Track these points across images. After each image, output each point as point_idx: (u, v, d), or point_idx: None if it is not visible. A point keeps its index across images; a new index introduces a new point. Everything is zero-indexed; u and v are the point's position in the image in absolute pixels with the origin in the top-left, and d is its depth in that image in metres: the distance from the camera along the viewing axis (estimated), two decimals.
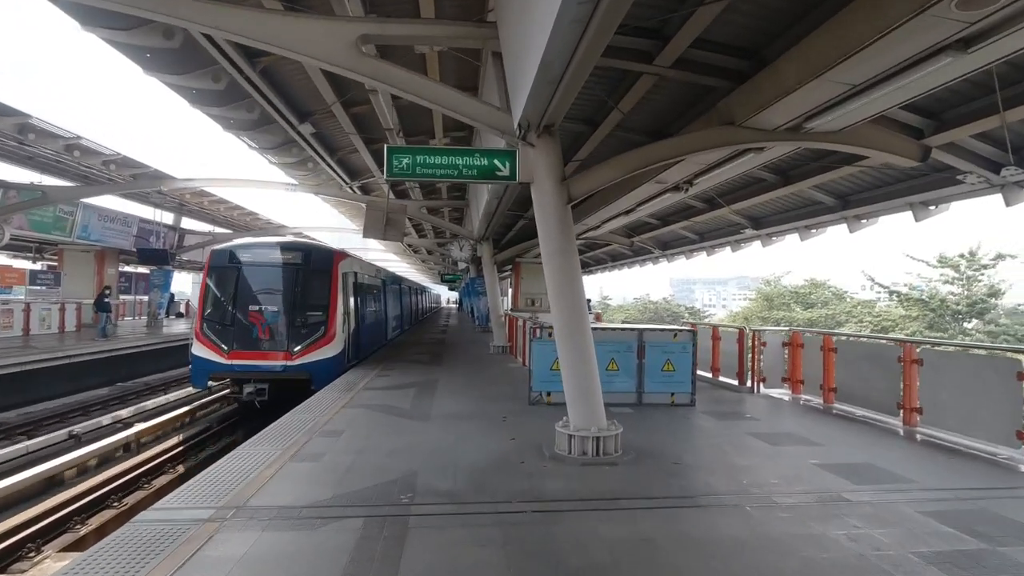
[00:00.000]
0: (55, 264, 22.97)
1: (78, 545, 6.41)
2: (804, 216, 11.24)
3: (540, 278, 19.85)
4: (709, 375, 10.47)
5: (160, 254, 21.90)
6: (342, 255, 12.18)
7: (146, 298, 25.47)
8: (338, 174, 14.45)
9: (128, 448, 9.90)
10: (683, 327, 9.99)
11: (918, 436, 6.75)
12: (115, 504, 7.45)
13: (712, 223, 14.54)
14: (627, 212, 12.21)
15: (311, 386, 10.08)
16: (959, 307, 30.94)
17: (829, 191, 10.07)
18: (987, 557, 3.57)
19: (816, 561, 3.50)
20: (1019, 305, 36.04)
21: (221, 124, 10.74)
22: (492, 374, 11.52)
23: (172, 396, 14.40)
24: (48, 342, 16.20)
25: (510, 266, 21.87)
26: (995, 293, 31.19)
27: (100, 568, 3.27)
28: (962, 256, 31.78)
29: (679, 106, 7.53)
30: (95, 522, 6.93)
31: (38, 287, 20.63)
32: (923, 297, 33.09)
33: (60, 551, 6.26)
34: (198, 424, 11.85)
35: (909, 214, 8.95)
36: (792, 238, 12.58)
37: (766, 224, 12.67)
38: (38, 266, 23.33)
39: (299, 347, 10.56)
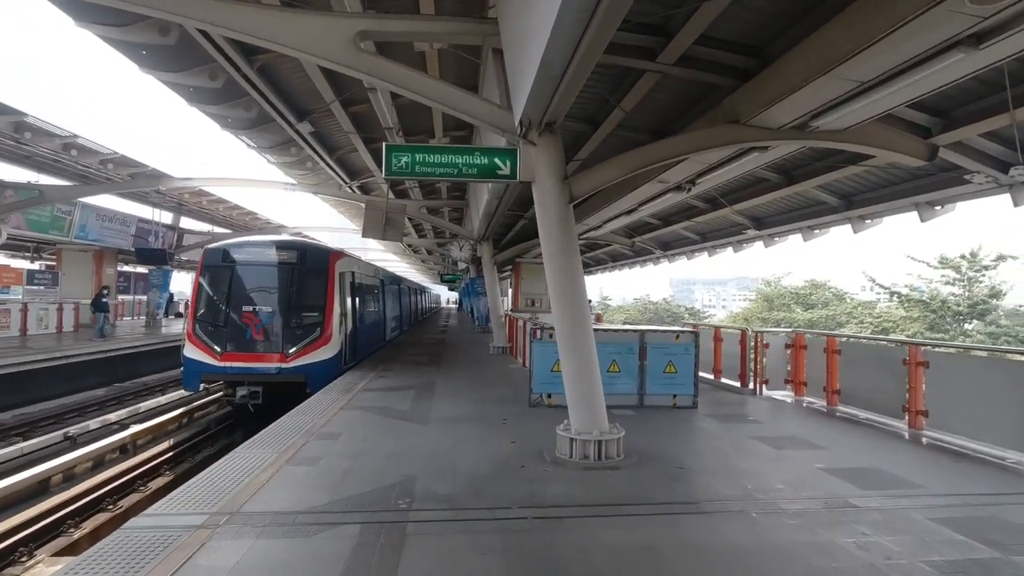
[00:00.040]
0: (53, 264, 22.88)
1: (72, 549, 6.32)
2: (807, 216, 11.14)
3: (540, 278, 19.84)
4: (711, 377, 10.38)
5: (159, 254, 21.82)
6: (339, 254, 12.02)
7: (145, 298, 25.38)
8: (337, 173, 14.35)
9: (124, 450, 9.81)
10: (685, 328, 9.91)
11: (924, 439, 6.66)
12: (110, 507, 7.36)
13: (714, 223, 14.45)
14: (628, 212, 12.11)
15: (307, 389, 9.87)
16: (960, 308, 30.87)
17: (833, 191, 9.97)
18: (1001, 567, 3.48)
19: (825, 571, 3.40)
20: (1020, 306, 36.02)
21: (219, 123, 10.65)
22: (492, 375, 11.42)
23: (170, 397, 14.32)
24: (45, 342, 16.11)
25: (510, 266, 21.77)
26: (996, 294, 31.15)
27: None
28: (963, 257, 31.72)
29: (682, 104, 7.44)
30: (89, 526, 6.84)
31: (36, 287, 20.54)
32: (924, 298, 33.01)
33: (53, 555, 6.17)
34: (195, 425, 11.76)
35: (914, 215, 8.86)
36: (795, 239, 12.50)
37: (769, 224, 12.58)
38: (36, 266, 23.23)
39: (294, 349, 10.34)
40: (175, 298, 28.84)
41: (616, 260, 25.19)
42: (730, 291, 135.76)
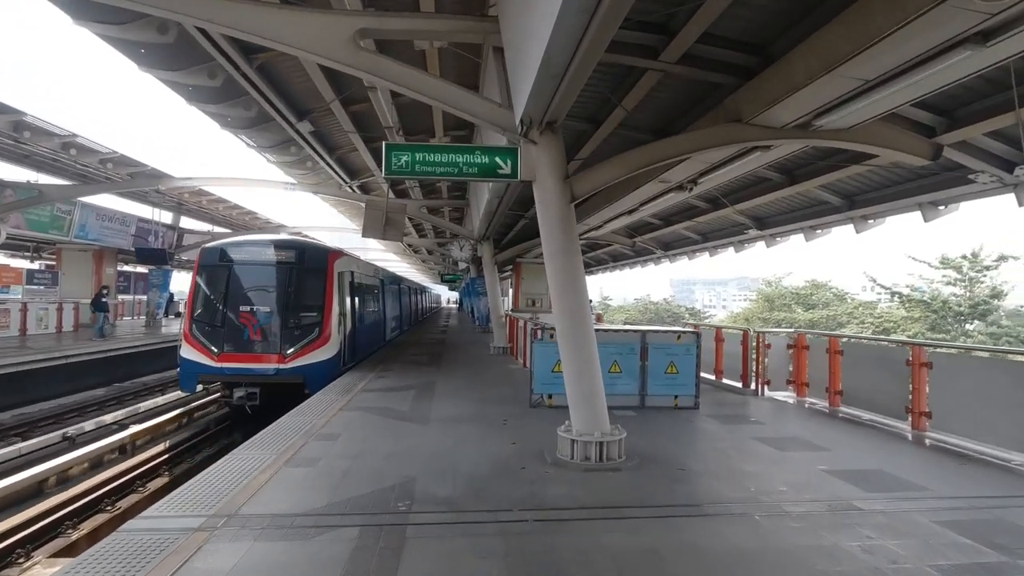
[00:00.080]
0: (53, 264, 22.84)
1: (70, 550, 6.28)
2: (810, 216, 11.09)
3: (541, 278, 19.80)
4: (712, 377, 10.34)
5: (158, 253, 21.79)
6: (337, 253, 11.91)
7: (145, 298, 25.35)
8: (337, 173, 14.31)
9: (123, 450, 9.77)
10: (687, 329, 9.86)
11: (927, 441, 6.61)
12: (108, 508, 7.32)
13: (715, 223, 14.40)
14: (629, 212, 12.06)
15: (305, 390, 9.74)
16: (961, 309, 30.84)
17: (836, 191, 9.92)
18: (1008, 571, 3.43)
19: (829, 575, 3.36)
20: (1021, 307, 35.95)
21: (219, 122, 10.61)
22: (492, 376, 11.38)
23: (169, 397, 14.27)
24: (45, 342, 16.08)
25: (511, 266, 21.73)
26: (997, 295, 31.14)
27: None
28: (964, 258, 31.69)
29: (684, 103, 7.40)
30: (87, 527, 6.80)
31: (35, 286, 20.50)
32: (925, 299, 32.97)
33: (50, 556, 6.13)
34: (195, 426, 11.72)
35: (917, 214, 8.82)
36: (796, 239, 12.45)
37: (770, 224, 12.53)
38: (36, 265, 23.19)
39: (292, 349, 10.19)
40: (175, 298, 28.80)
41: (617, 260, 25.15)
42: (731, 291, 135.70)
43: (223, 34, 6.73)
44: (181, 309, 31.54)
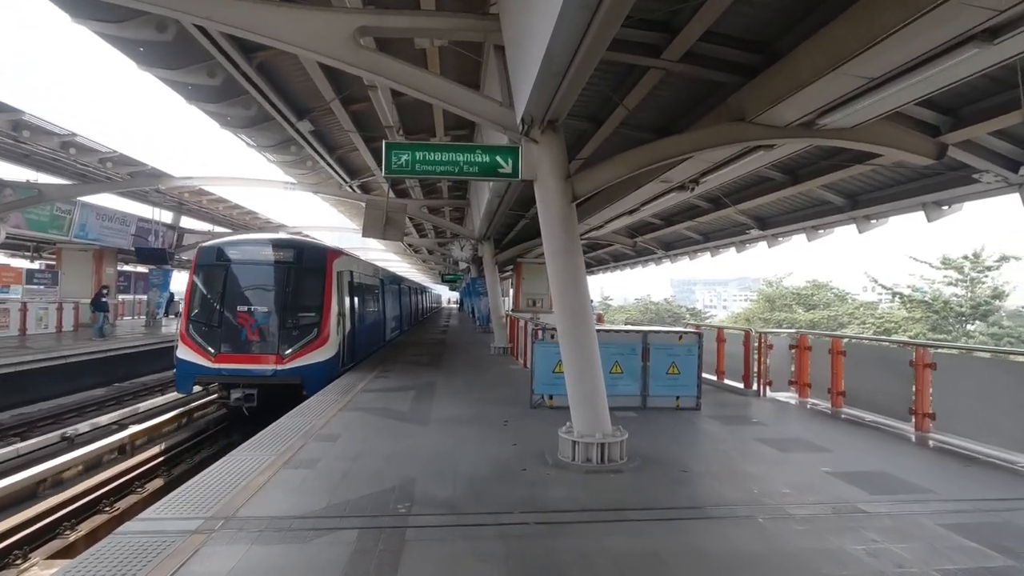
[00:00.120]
0: (53, 263, 22.81)
1: (68, 551, 6.24)
2: (812, 216, 11.03)
3: (542, 278, 19.75)
4: (713, 378, 10.29)
5: (159, 253, 21.76)
6: (336, 253, 11.81)
7: (145, 297, 25.31)
8: (337, 173, 14.27)
9: (122, 450, 9.73)
10: (688, 329, 9.81)
11: (931, 442, 6.57)
12: (106, 509, 7.28)
13: (717, 223, 14.35)
14: (631, 212, 12.02)
15: (303, 391, 9.62)
16: (963, 309, 30.77)
17: (839, 191, 9.86)
18: (1016, 575, 3.38)
19: None
20: (1022, 307, 35.82)
21: (218, 121, 10.57)
22: (493, 376, 11.33)
23: (168, 397, 14.23)
24: (44, 342, 16.05)
25: (511, 266, 21.69)
26: (999, 295, 31.05)
27: None
28: (966, 258, 31.62)
29: (687, 102, 7.35)
30: (85, 528, 6.76)
31: (35, 286, 20.47)
32: (926, 299, 32.90)
33: (48, 558, 6.09)
34: (194, 426, 11.68)
35: (917, 215, 8.77)
36: (798, 239, 12.39)
37: (772, 224, 12.47)
38: (36, 265, 23.16)
39: (290, 350, 10.03)
40: (175, 298, 28.76)
41: (618, 260, 25.10)
42: (731, 291, 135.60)
43: (222, 32, 6.68)
44: (181, 309, 31.54)
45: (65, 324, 19.60)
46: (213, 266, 10.45)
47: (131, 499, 7.67)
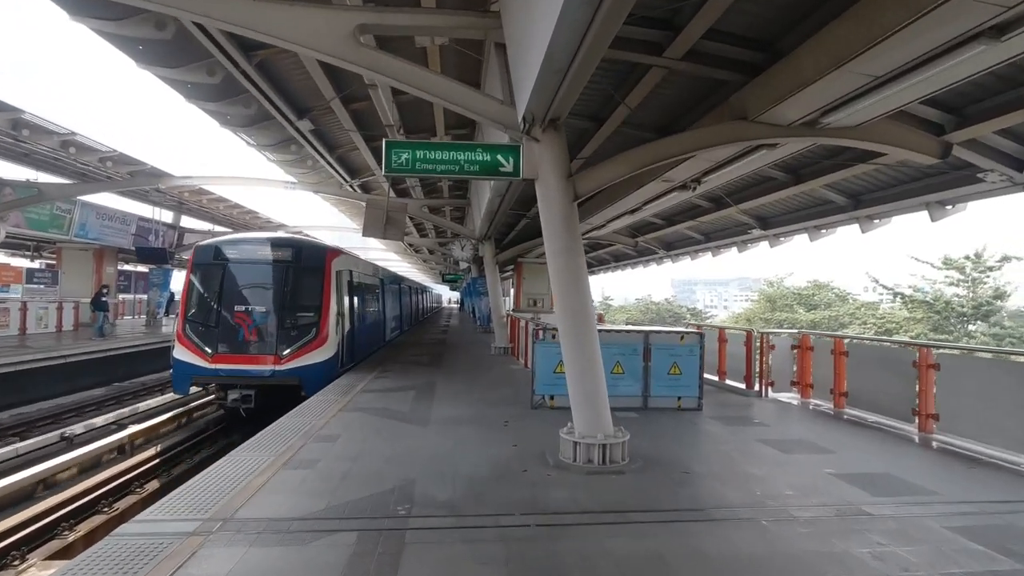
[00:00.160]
0: (53, 263, 22.79)
1: (66, 552, 6.21)
2: (814, 216, 10.98)
3: (542, 278, 19.70)
4: (715, 378, 10.25)
5: (159, 253, 21.73)
6: (336, 252, 11.68)
7: (145, 297, 25.28)
8: (338, 172, 14.23)
9: (122, 450, 9.70)
10: (690, 329, 9.77)
11: (934, 444, 6.53)
12: (105, 509, 7.24)
13: (718, 223, 14.29)
14: (632, 211, 11.97)
15: (301, 392, 9.51)
16: (964, 309, 30.69)
17: (841, 190, 9.81)
18: None
19: None
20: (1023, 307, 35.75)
21: (218, 120, 10.53)
22: (493, 376, 11.29)
23: (168, 397, 14.19)
24: (44, 341, 16.02)
25: (512, 266, 21.65)
26: (1000, 295, 30.95)
27: None
28: (967, 258, 31.53)
29: (689, 101, 7.30)
30: (84, 528, 6.73)
31: (35, 285, 20.44)
32: (928, 299, 32.83)
33: (46, 559, 6.06)
34: (194, 426, 11.64)
35: (920, 215, 8.72)
36: (800, 238, 12.34)
37: (774, 224, 12.42)
38: (36, 264, 23.14)
39: (288, 350, 9.87)
40: (175, 297, 28.75)
41: (619, 260, 25.05)
42: (732, 291, 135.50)
43: (221, 29, 6.64)
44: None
45: (65, 323, 19.57)
46: (210, 265, 10.30)
47: (130, 499, 7.64)
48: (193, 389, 10.77)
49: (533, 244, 17.53)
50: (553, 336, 7.64)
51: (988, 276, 31.08)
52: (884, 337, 28.51)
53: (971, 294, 31.19)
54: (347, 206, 21.93)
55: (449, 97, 5.48)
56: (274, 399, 9.52)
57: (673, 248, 18.61)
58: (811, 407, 8.54)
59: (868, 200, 9.57)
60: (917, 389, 6.92)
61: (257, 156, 13.22)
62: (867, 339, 16.21)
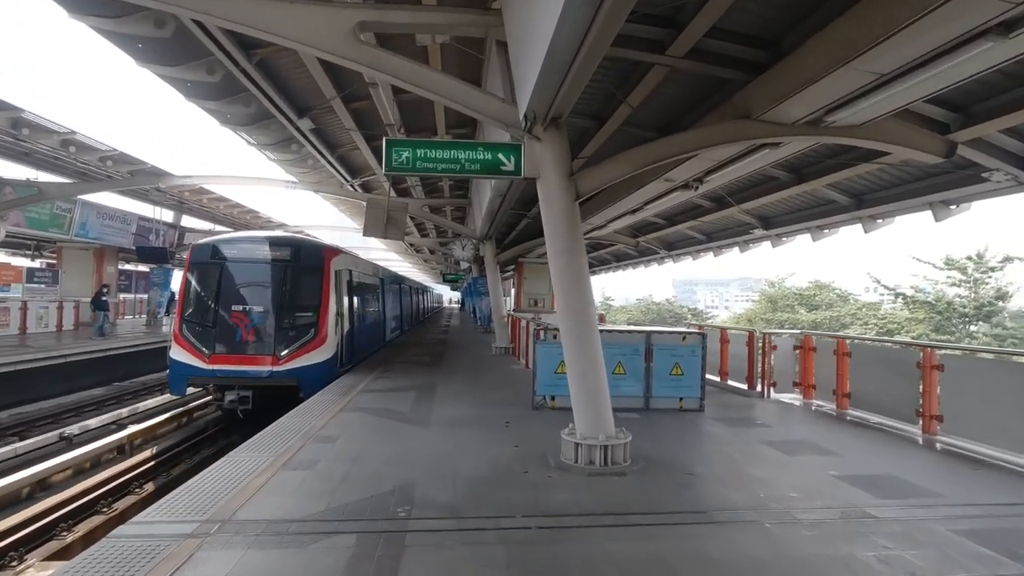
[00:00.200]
0: (54, 262, 22.78)
1: (64, 553, 6.17)
2: (817, 216, 10.92)
3: (543, 278, 19.66)
4: (717, 379, 10.20)
5: (159, 252, 21.69)
6: (334, 251, 11.55)
7: (146, 297, 25.26)
8: (338, 171, 14.19)
9: (121, 450, 9.66)
10: (692, 330, 9.72)
11: (938, 445, 6.48)
12: (104, 510, 7.21)
13: (720, 223, 14.24)
14: (633, 211, 11.92)
15: (300, 393, 9.38)
16: (966, 310, 30.61)
17: (844, 190, 9.75)
18: None
19: None
20: None
21: (218, 119, 10.49)
22: (494, 376, 11.25)
23: (168, 397, 14.14)
24: (44, 341, 16.00)
25: (513, 266, 21.60)
26: (1002, 296, 30.87)
27: None
28: (969, 259, 31.45)
29: (691, 99, 7.25)
30: (82, 529, 6.69)
31: (36, 285, 20.43)
32: (929, 300, 32.75)
33: (44, 560, 6.03)
34: (194, 426, 11.61)
35: (926, 214, 8.66)
36: (803, 238, 12.28)
37: (777, 224, 12.36)
38: (37, 264, 23.13)
39: (287, 351, 9.71)
40: (176, 297, 28.72)
41: (620, 260, 25.00)
42: (733, 292, 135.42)
43: (220, 27, 6.60)
44: None
45: (65, 323, 19.56)
46: (207, 264, 10.13)
47: (129, 499, 7.60)
48: (192, 389, 10.67)
49: (534, 244, 17.49)
50: (554, 336, 7.60)
51: (990, 277, 31.01)
52: (887, 338, 28.41)
53: (973, 295, 31.11)
54: (348, 206, 21.89)
55: (450, 95, 5.44)
56: (272, 400, 9.41)
57: (675, 248, 18.56)
58: (813, 408, 8.50)
59: (871, 200, 9.52)
60: (921, 390, 6.87)
61: (258, 155, 13.19)
62: (870, 340, 16.14)
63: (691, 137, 6.03)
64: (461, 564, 3.43)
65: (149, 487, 8.05)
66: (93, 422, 11.18)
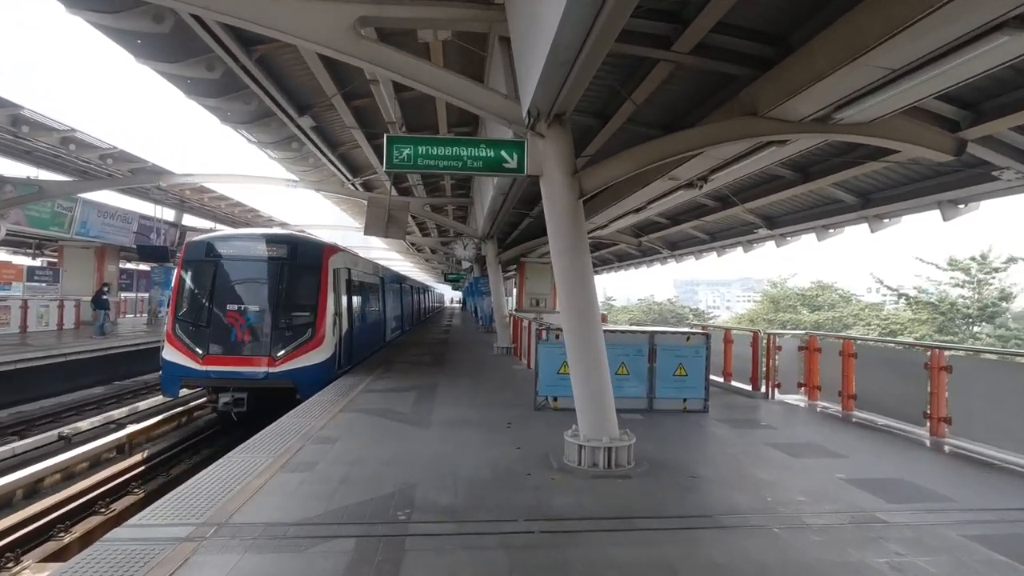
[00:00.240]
0: (55, 260, 22.76)
1: (61, 554, 6.11)
2: (823, 215, 10.81)
3: (545, 278, 19.60)
4: (720, 379, 10.11)
5: (160, 251, 21.64)
6: (333, 249, 11.33)
7: (147, 295, 25.24)
8: (339, 170, 14.11)
9: (120, 450, 9.60)
10: (696, 330, 9.64)
11: (946, 448, 6.39)
12: (102, 510, 7.14)
13: (724, 222, 14.15)
14: (636, 210, 11.81)
15: (297, 395, 9.14)
16: (969, 311, 30.46)
17: (851, 189, 9.64)
18: None
19: None
20: None
21: (218, 116, 10.42)
22: (496, 377, 11.16)
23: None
24: (45, 339, 15.96)
25: (515, 266, 21.52)
26: (1006, 297, 30.71)
27: None
28: (973, 259, 31.29)
29: (697, 96, 7.15)
30: (80, 529, 6.62)
31: (36, 283, 20.40)
32: (933, 300, 32.60)
33: (40, 561, 5.96)
34: (194, 425, 11.54)
35: (931, 214, 8.57)
36: (807, 238, 12.19)
37: (781, 223, 12.26)
38: (38, 262, 23.11)
39: (283, 351, 9.43)
40: None
41: (622, 260, 24.90)
42: (734, 292, 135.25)
43: (219, 22, 6.52)
44: None
45: (66, 322, 19.52)
46: (201, 262, 9.83)
47: (127, 500, 7.53)
48: (182, 392, 10.26)
49: (536, 243, 17.41)
50: (557, 336, 7.52)
51: (994, 277, 30.85)
52: (894, 339, 28.29)
53: (976, 295, 30.95)
54: (349, 204, 21.82)
55: (452, 91, 5.36)
56: (268, 402, 9.21)
57: (677, 248, 18.46)
58: (818, 409, 8.41)
59: (878, 199, 9.41)
60: (928, 392, 6.78)
61: (258, 155, 13.15)
62: (877, 340, 16.03)
63: (697, 134, 5.94)
64: (462, 569, 3.35)
65: (148, 487, 7.98)
66: (84, 424, 11.03)
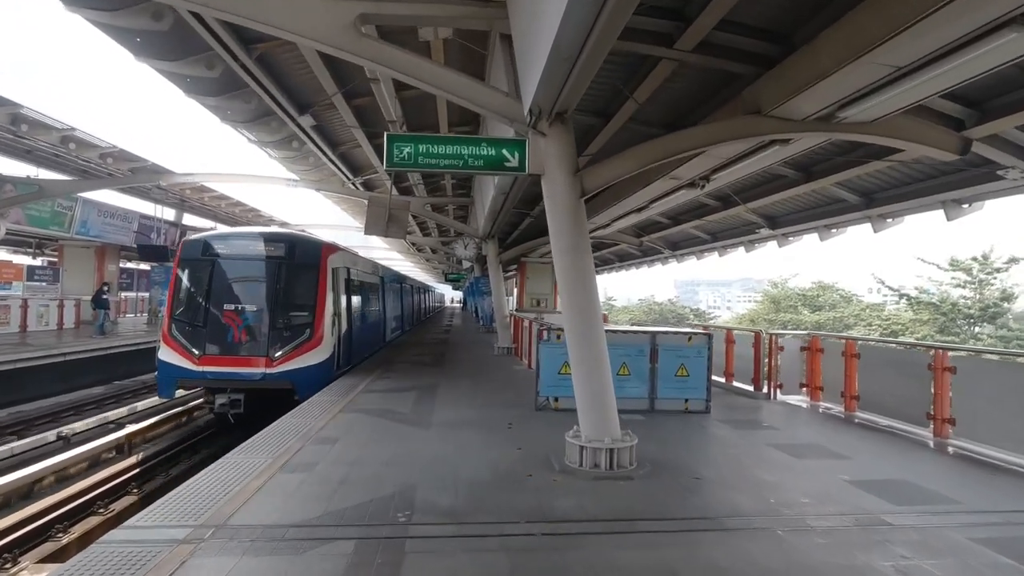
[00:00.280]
0: (55, 260, 22.74)
1: (59, 555, 6.07)
2: (825, 215, 10.76)
3: (546, 278, 19.55)
4: (722, 380, 10.06)
5: (160, 250, 21.62)
6: (332, 248, 11.22)
7: (147, 295, 25.23)
8: (340, 169, 14.07)
9: (119, 450, 9.56)
10: (697, 330, 9.60)
11: (951, 449, 6.34)
12: (101, 511, 7.10)
13: (725, 222, 14.10)
14: (638, 210, 11.78)
15: (295, 396, 9.01)
16: (971, 311, 30.40)
17: (854, 188, 9.59)
18: None
19: None
20: None
21: (218, 115, 10.38)
22: (496, 377, 11.12)
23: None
24: (45, 339, 15.93)
25: (515, 265, 21.48)
26: (1008, 297, 30.64)
27: None
28: (974, 259, 31.23)
29: (700, 95, 7.11)
30: (78, 530, 6.59)
31: (36, 283, 20.37)
32: (934, 300, 32.53)
33: (38, 562, 5.92)
34: (194, 425, 11.50)
35: (933, 214, 8.53)
36: (809, 238, 12.14)
37: (783, 223, 12.21)
38: (38, 262, 23.09)
39: (281, 352, 9.27)
40: None
41: (623, 260, 24.85)
42: (735, 292, 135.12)
43: (218, 19, 6.47)
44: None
45: (66, 321, 19.50)
46: (198, 261, 9.68)
47: (127, 500, 7.50)
48: (178, 393, 10.26)
49: (537, 243, 17.36)
50: (558, 336, 7.48)
51: (995, 278, 30.79)
52: (897, 339, 28.22)
53: (978, 296, 30.89)
54: (349, 204, 21.79)
55: (453, 89, 5.32)
56: (265, 404, 9.10)
57: (679, 248, 18.42)
58: (821, 410, 8.36)
59: (881, 199, 9.36)
60: (932, 392, 6.73)
61: (259, 154, 13.13)
62: (879, 341, 15.98)
63: (699, 133, 5.90)
64: (462, 572, 3.30)
65: (147, 488, 7.94)
66: (80, 425, 10.96)
